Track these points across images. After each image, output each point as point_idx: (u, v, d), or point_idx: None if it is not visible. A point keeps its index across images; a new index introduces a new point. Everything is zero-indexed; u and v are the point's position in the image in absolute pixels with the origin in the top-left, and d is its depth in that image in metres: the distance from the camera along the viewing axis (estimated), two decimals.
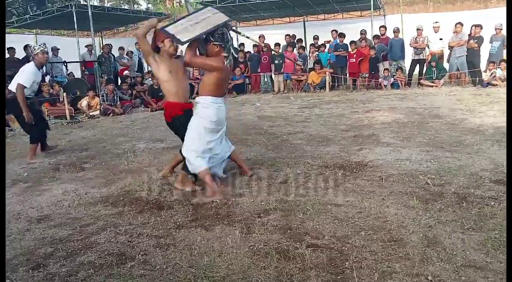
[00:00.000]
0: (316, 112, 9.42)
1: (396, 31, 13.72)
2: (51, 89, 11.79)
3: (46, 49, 6.24)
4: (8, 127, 9.43)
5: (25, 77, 6.11)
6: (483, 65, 12.78)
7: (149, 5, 38.35)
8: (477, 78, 12.47)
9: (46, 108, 10.86)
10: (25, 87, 6.04)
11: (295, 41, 15.49)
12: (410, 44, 13.42)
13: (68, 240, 3.42)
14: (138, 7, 36.99)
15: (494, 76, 12.16)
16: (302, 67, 14.15)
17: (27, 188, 5.01)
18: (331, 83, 13.75)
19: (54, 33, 19.57)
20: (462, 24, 12.66)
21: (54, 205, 4.32)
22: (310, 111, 9.71)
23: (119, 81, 14.31)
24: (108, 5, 26.04)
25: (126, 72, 14.53)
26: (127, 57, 15.16)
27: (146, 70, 15.35)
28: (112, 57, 14.69)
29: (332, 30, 15.02)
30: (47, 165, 6.04)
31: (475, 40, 12.39)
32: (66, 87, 12.59)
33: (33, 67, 6.22)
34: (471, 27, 12.68)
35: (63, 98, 11.03)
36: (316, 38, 15.29)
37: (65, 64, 13.76)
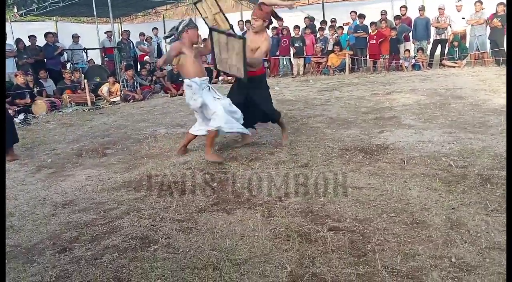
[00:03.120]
0: (336, 95, 9.34)
1: (421, 9, 13.39)
2: (72, 76, 11.92)
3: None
4: (32, 114, 9.59)
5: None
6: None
7: None
8: (501, 58, 12.19)
9: (68, 95, 11.00)
10: None
11: (319, 22, 15.28)
12: (431, 24, 13.15)
13: (93, 224, 3.48)
14: None
15: None
16: (322, 47, 14.02)
17: (51, 173, 5.10)
18: (351, 65, 13.59)
19: (73, 20, 19.68)
20: (481, 2, 12.34)
21: (78, 190, 4.39)
22: (329, 94, 9.63)
23: (139, 67, 14.41)
24: None
25: (146, 58, 14.61)
26: (146, 43, 15.22)
27: None
28: (132, 43, 14.75)
29: (351, 11, 14.79)
30: (70, 151, 6.13)
31: (499, 19, 12.07)
32: (86, 74, 12.73)
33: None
34: (497, 5, 12.35)
35: (84, 85, 11.14)
36: (333, 21, 15.08)
37: (85, 51, 13.89)
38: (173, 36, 4.99)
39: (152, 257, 2.86)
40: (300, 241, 2.90)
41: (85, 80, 11.27)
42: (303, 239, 2.92)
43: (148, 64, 13.85)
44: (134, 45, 14.93)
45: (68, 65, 13.77)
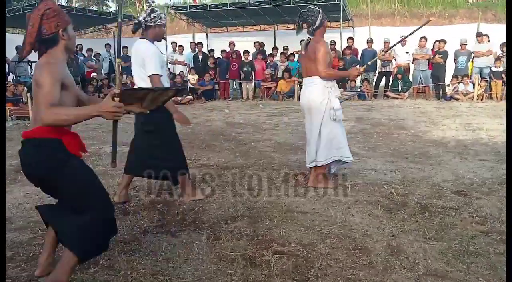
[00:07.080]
0: (285, 121, 9.49)
1: (370, 41, 14.00)
2: (16, 89, 11.49)
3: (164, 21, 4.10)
4: None
5: (155, 63, 3.98)
6: (447, 79, 13.23)
7: (118, 7, 37.88)
8: (441, 92, 12.87)
9: (9, 108, 10.58)
10: (161, 75, 3.98)
11: (270, 49, 15.61)
12: (377, 57, 13.69)
13: (29, 244, 3.33)
14: (107, 8, 36.51)
15: (457, 90, 12.57)
16: (272, 73, 14.25)
17: None
18: (299, 92, 13.85)
19: (19, 32, 19.07)
20: (426, 39, 13.05)
21: (15, 207, 4.20)
22: (278, 119, 9.78)
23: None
24: (76, 6, 25.62)
25: (93, 74, 14.32)
26: (94, 59, 14.94)
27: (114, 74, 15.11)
28: (80, 58, 14.43)
29: (301, 40, 15.10)
30: (8, 166, 5.86)
31: (441, 55, 12.78)
32: (30, 88, 12.29)
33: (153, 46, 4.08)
34: (434, 43, 13.14)
35: (27, 99, 10.76)
36: (286, 48, 15.44)
37: (30, 64, 13.43)
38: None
39: (91, 279, 2.76)
40: (245, 265, 2.89)
41: (28, 94, 10.88)
42: (248, 263, 2.92)
43: (95, 81, 13.58)
44: (83, 60, 14.61)
45: (10, 77, 13.25)
